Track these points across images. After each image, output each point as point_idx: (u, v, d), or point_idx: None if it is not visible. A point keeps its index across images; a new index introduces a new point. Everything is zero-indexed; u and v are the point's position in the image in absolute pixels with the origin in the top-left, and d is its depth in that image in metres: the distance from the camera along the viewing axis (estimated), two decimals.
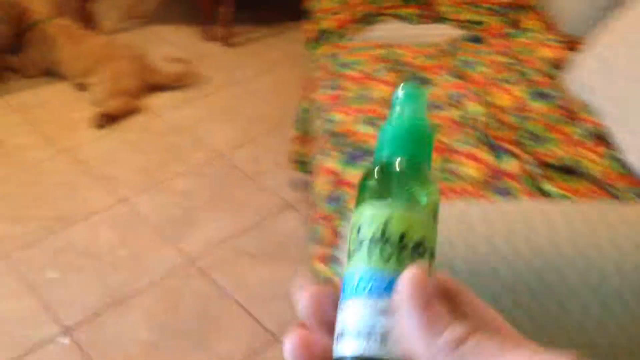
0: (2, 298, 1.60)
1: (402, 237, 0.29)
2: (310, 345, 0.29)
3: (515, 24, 1.81)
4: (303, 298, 0.30)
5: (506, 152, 1.28)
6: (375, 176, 0.31)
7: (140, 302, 1.60)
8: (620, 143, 1.30)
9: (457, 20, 1.82)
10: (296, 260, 1.73)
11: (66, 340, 1.49)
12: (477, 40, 1.72)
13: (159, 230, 1.82)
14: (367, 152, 1.31)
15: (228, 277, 1.68)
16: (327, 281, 1.14)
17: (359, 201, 0.31)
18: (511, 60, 1.62)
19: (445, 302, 0.27)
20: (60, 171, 2.04)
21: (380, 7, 1.85)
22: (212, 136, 2.23)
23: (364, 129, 1.38)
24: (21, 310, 1.56)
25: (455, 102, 1.45)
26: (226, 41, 2.82)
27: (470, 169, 1.25)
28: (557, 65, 1.62)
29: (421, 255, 0.29)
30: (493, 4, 1.87)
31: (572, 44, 1.73)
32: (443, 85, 1.51)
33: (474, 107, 1.41)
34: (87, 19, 2.78)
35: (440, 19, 1.84)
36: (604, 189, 1.22)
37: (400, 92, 0.33)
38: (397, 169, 0.31)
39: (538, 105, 1.45)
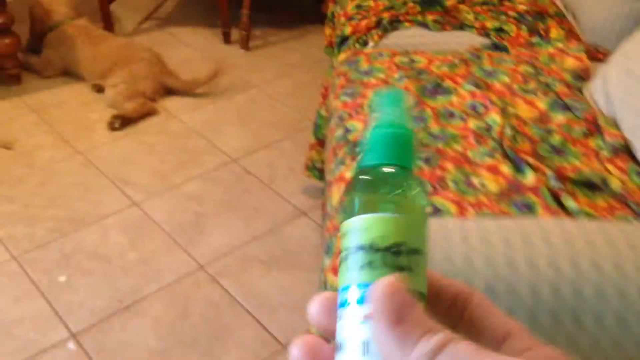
0: (11, 300, 1.59)
1: (378, 243, 0.29)
2: (317, 352, 0.29)
3: (539, 33, 1.77)
4: (314, 305, 0.30)
5: (526, 165, 1.23)
6: (357, 187, 0.31)
7: (149, 308, 1.57)
8: None
9: (479, 28, 1.78)
10: (308, 268, 1.70)
11: (73, 346, 1.47)
12: (500, 48, 1.68)
13: (169, 235, 1.80)
14: None
15: (238, 285, 1.65)
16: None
17: (344, 214, 0.31)
18: (534, 70, 1.58)
19: (419, 310, 0.26)
20: (74, 172, 2.03)
21: (401, 13, 1.82)
22: (227, 140, 2.21)
23: None
24: (29, 313, 1.55)
25: (475, 113, 1.41)
26: (244, 44, 2.80)
27: (489, 182, 1.21)
28: (581, 75, 1.57)
29: (402, 258, 0.29)
30: (516, 11, 1.83)
31: (596, 54, 1.69)
32: (463, 94, 1.47)
33: (494, 118, 1.37)
34: (106, 20, 2.78)
35: (461, 26, 1.80)
36: (627, 205, 1.18)
37: (377, 97, 0.32)
38: (378, 177, 0.31)
39: (561, 117, 1.41)
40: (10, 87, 2.44)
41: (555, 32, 1.77)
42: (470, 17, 1.82)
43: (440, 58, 1.62)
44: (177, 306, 1.58)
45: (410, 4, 1.85)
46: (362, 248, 0.29)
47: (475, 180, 1.21)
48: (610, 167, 1.27)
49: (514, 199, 1.17)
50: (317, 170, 1.83)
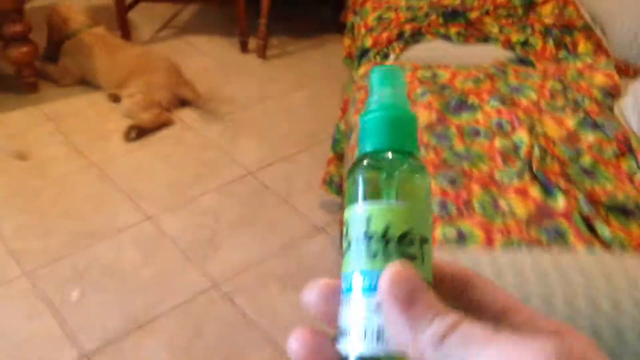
0: (22, 317, 1.56)
1: (385, 232, 0.28)
2: (315, 345, 0.29)
3: (566, 47, 1.71)
4: (311, 292, 0.30)
5: (556, 189, 1.18)
6: (359, 173, 0.30)
7: (162, 327, 1.53)
8: None
9: (504, 41, 1.73)
10: None
11: None
12: (526, 63, 1.63)
13: (184, 251, 1.76)
14: None
15: (253, 304, 1.61)
16: None
17: (347, 201, 0.30)
18: (561, 86, 1.52)
19: (430, 294, 0.27)
20: (89, 184, 2.00)
21: (423, 25, 1.77)
22: (243, 153, 2.17)
23: None
24: (40, 331, 1.52)
25: (501, 131, 1.35)
26: (261, 53, 2.77)
27: (517, 206, 1.16)
28: (611, 92, 1.51)
29: (409, 246, 0.28)
30: (543, 24, 1.77)
31: (626, 70, 1.63)
32: (488, 111, 1.41)
33: (521, 137, 1.32)
34: (123, 28, 2.76)
35: (485, 39, 1.75)
36: None
37: (375, 76, 0.31)
38: (380, 163, 0.30)
39: (591, 137, 1.35)
40: (26, 96, 2.42)
41: (583, 47, 1.71)
42: (495, 29, 1.77)
43: (464, 73, 1.57)
44: (191, 326, 1.54)
45: (433, 16, 1.80)
46: (369, 236, 0.29)
47: (502, 204, 1.16)
48: None
49: (544, 225, 1.11)
50: (335, 186, 1.78)
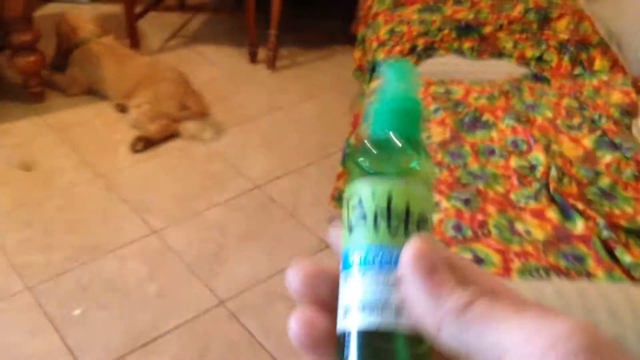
0: (24, 332, 1.52)
1: (407, 210, 0.29)
2: (315, 323, 0.29)
3: (581, 63, 1.68)
4: (296, 277, 0.30)
5: (575, 212, 1.14)
6: (373, 151, 0.31)
7: (166, 345, 1.50)
8: None
9: (518, 57, 1.70)
10: None
11: None
12: (541, 79, 1.59)
13: (189, 266, 1.73)
14: None
15: (259, 322, 1.57)
16: None
17: (354, 175, 0.31)
18: (578, 104, 1.48)
19: (450, 270, 0.27)
20: (94, 197, 1.98)
21: (436, 40, 1.74)
22: (250, 165, 2.14)
23: None
24: (42, 349, 1.48)
25: (517, 150, 1.32)
26: (271, 64, 2.75)
27: (534, 229, 1.12)
28: (628, 111, 1.48)
29: (424, 226, 0.30)
30: (557, 40, 1.73)
31: None
32: (503, 129, 1.38)
33: (538, 157, 1.28)
34: (132, 37, 2.74)
35: (499, 54, 1.72)
36: None
37: (387, 68, 0.32)
38: (394, 144, 0.31)
39: (609, 157, 1.31)
40: (32, 105, 2.40)
41: (599, 63, 1.68)
42: (509, 45, 1.73)
43: (478, 89, 1.54)
44: (196, 345, 1.51)
45: (446, 30, 1.77)
46: (391, 211, 0.29)
47: (519, 227, 1.12)
48: None
49: (562, 249, 1.08)
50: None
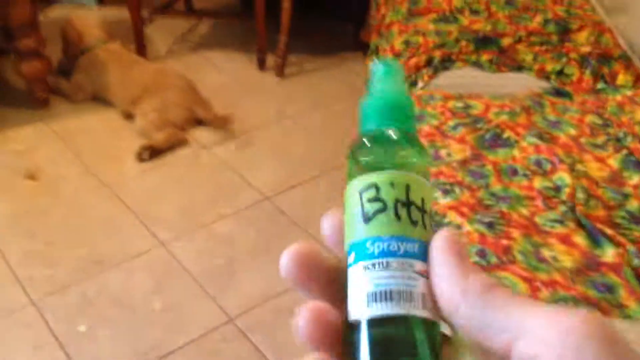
0: (28, 347, 1.48)
1: (422, 201, 0.30)
2: (323, 316, 0.28)
3: (603, 78, 1.63)
4: (289, 259, 0.30)
5: (603, 237, 1.09)
6: (386, 144, 0.31)
7: None
8: None
9: (538, 70, 1.65)
10: None
11: None
12: (563, 94, 1.55)
13: (197, 281, 1.68)
14: (439, 225, 1.14)
15: (269, 341, 1.53)
16: None
17: (365, 168, 0.31)
18: (602, 121, 1.44)
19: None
20: (100, 207, 1.93)
21: (453, 52, 1.69)
22: (258, 176, 2.10)
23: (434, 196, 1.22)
24: None
25: (541, 170, 1.27)
26: (280, 71, 2.70)
27: (562, 256, 1.07)
28: None
29: (433, 218, 0.30)
30: (579, 53, 1.69)
31: None
32: (526, 147, 1.33)
33: (563, 178, 1.24)
34: (139, 42, 2.70)
35: (519, 67, 1.67)
36: None
37: (378, 67, 0.33)
38: (401, 138, 0.31)
39: (636, 178, 1.26)
40: (37, 112, 2.36)
41: (622, 78, 1.63)
42: (529, 57, 1.69)
43: (498, 104, 1.49)
44: None
45: (464, 42, 1.72)
46: (402, 204, 0.29)
47: (546, 253, 1.08)
48: None
49: (592, 278, 1.03)
50: None
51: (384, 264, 0.28)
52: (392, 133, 0.31)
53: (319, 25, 3.09)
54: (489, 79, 1.66)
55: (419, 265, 0.28)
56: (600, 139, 1.38)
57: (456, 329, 0.28)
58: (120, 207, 1.93)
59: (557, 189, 1.22)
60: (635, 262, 1.05)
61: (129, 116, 2.31)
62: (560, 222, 1.14)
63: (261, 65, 2.74)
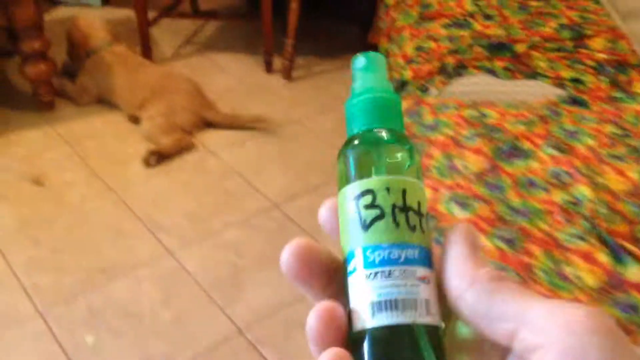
0: None
1: (419, 206, 0.29)
2: (336, 318, 0.28)
3: (621, 86, 1.60)
4: (290, 253, 0.30)
5: (627, 255, 1.06)
6: (372, 147, 0.30)
7: None
8: None
9: (554, 77, 1.62)
10: None
11: None
12: (579, 103, 1.51)
13: (206, 290, 1.66)
14: None
15: (279, 354, 1.50)
16: None
17: (362, 173, 0.30)
18: (620, 131, 1.40)
19: None
20: (106, 213, 1.90)
21: (466, 58, 1.66)
22: (266, 182, 2.07)
23: (448, 209, 1.19)
24: None
25: (559, 182, 1.24)
26: (287, 74, 2.67)
27: (584, 274, 1.04)
28: None
29: (428, 221, 0.30)
30: (594, 60, 1.66)
31: None
32: (543, 159, 1.30)
33: (582, 191, 1.21)
34: (145, 44, 2.67)
35: (533, 74, 1.64)
36: None
37: (357, 63, 0.32)
38: (392, 139, 0.31)
39: None
40: (42, 115, 2.33)
41: (638, 86, 1.60)
42: (543, 64, 1.65)
43: (514, 113, 1.46)
44: None
45: (477, 48, 1.69)
46: (400, 209, 0.28)
47: (568, 271, 1.05)
48: None
49: (615, 298, 1.00)
50: None
51: (386, 273, 0.28)
52: (383, 134, 0.30)
53: (325, 27, 3.07)
54: (503, 86, 1.62)
55: (420, 271, 0.28)
56: (620, 150, 1.35)
57: (456, 325, 0.28)
58: (127, 214, 1.91)
59: (577, 203, 1.19)
60: None
61: (135, 119, 2.28)
62: (582, 238, 1.11)
63: (268, 67, 2.71)
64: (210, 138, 2.27)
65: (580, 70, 1.63)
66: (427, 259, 0.29)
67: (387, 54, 1.98)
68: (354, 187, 0.30)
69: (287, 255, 0.30)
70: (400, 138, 0.31)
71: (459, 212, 1.17)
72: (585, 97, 1.55)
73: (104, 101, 2.39)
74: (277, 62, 2.71)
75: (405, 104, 1.57)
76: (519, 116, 1.45)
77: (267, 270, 1.73)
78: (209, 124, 2.30)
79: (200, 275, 1.70)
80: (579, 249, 1.09)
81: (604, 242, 1.10)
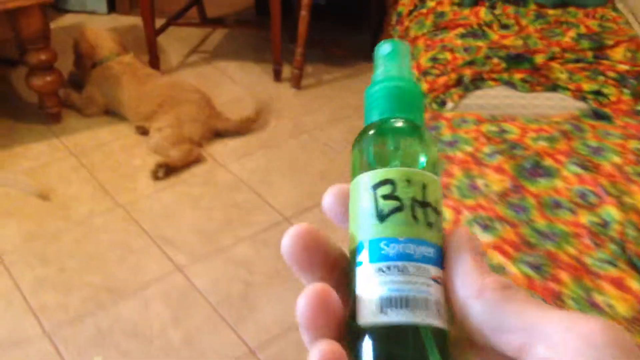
0: None
1: (437, 202, 0.28)
2: (330, 301, 0.26)
3: None
4: (290, 239, 0.28)
5: None
6: (392, 138, 0.29)
7: None
8: None
9: (575, 90, 1.57)
10: None
11: None
12: (602, 117, 1.46)
13: (216, 309, 1.61)
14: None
15: None
16: None
17: (382, 160, 0.29)
18: None
19: None
20: (114, 229, 1.86)
21: (484, 70, 1.62)
22: (277, 195, 2.02)
23: (471, 231, 1.14)
24: None
25: (586, 203, 1.19)
26: (296, 82, 2.63)
27: (616, 302, 0.99)
28: None
29: (438, 214, 0.28)
30: (616, 71, 1.61)
31: None
32: (568, 177, 1.25)
33: (610, 212, 1.16)
34: (152, 53, 2.63)
35: (553, 87, 1.59)
36: None
37: (384, 49, 0.31)
38: (413, 131, 0.29)
39: None
40: (49, 127, 2.30)
41: None
42: (563, 76, 1.61)
43: (535, 128, 1.41)
44: None
45: (495, 60, 1.64)
46: (419, 204, 0.28)
47: (598, 298, 1.00)
48: None
49: None
50: None
51: (400, 268, 0.27)
52: (404, 124, 0.29)
53: (334, 34, 3.02)
54: (522, 99, 1.58)
55: (433, 270, 0.27)
56: None
57: (461, 331, 0.26)
58: (135, 228, 1.87)
59: (605, 225, 1.15)
60: None
61: (142, 131, 2.24)
62: (611, 262, 1.07)
63: (277, 76, 2.67)
64: (219, 150, 2.23)
65: (602, 82, 1.58)
66: (440, 260, 0.27)
67: None
68: (371, 176, 0.28)
69: (288, 241, 0.28)
70: (419, 130, 0.30)
71: (482, 235, 1.12)
72: (607, 110, 1.50)
73: (111, 112, 2.35)
74: (286, 71, 2.67)
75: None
76: (541, 131, 1.40)
77: (278, 286, 1.69)
78: (217, 134, 2.26)
79: (210, 293, 1.66)
80: (609, 274, 1.04)
81: (634, 266, 1.06)
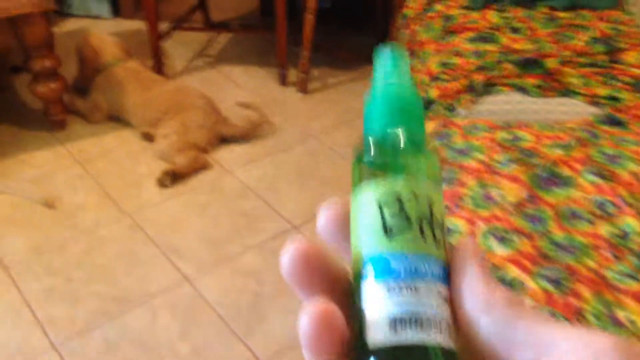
0: None
1: (442, 218, 0.27)
2: (334, 320, 0.25)
3: None
4: (289, 256, 0.27)
5: None
6: (394, 149, 0.28)
7: None
8: None
9: (588, 95, 1.54)
10: None
11: None
12: (617, 123, 1.44)
13: (224, 321, 1.59)
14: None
15: None
16: None
17: (385, 171, 0.28)
18: None
19: None
20: (120, 238, 1.84)
21: (496, 75, 1.59)
22: (284, 202, 2.00)
23: (486, 244, 1.12)
24: None
25: (605, 214, 1.16)
26: (302, 87, 2.60)
27: (636, 316, 0.97)
28: None
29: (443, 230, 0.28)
30: (630, 76, 1.58)
31: None
32: (585, 187, 1.23)
33: (630, 223, 1.13)
34: (156, 57, 2.61)
35: (566, 92, 1.56)
36: None
37: (385, 55, 0.30)
38: (415, 142, 0.28)
39: None
40: (53, 134, 2.28)
41: None
42: (576, 81, 1.58)
43: (550, 135, 1.39)
44: None
45: (506, 64, 1.61)
46: (427, 221, 0.27)
47: (621, 314, 0.97)
48: None
49: None
50: None
51: (412, 287, 0.26)
52: (406, 135, 0.29)
53: (339, 37, 3.00)
54: (535, 105, 1.55)
55: (441, 288, 0.26)
56: None
57: (466, 346, 0.26)
58: (141, 237, 1.84)
59: (624, 236, 1.12)
60: None
61: (148, 137, 2.22)
62: (632, 276, 1.04)
63: (283, 80, 2.65)
64: (225, 156, 2.20)
65: (616, 87, 1.55)
66: (447, 277, 0.27)
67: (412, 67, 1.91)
68: (377, 189, 0.27)
69: (287, 260, 0.27)
70: (421, 141, 0.29)
71: (498, 248, 1.09)
72: (622, 116, 1.48)
73: (116, 118, 2.33)
74: (292, 75, 2.64)
75: (432, 125, 1.50)
76: (555, 138, 1.37)
77: (288, 297, 1.66)
78: (223, 140, 2.24)
79: (218, 304, 1.64)
80: (630, 289, 1.02)
81: None
